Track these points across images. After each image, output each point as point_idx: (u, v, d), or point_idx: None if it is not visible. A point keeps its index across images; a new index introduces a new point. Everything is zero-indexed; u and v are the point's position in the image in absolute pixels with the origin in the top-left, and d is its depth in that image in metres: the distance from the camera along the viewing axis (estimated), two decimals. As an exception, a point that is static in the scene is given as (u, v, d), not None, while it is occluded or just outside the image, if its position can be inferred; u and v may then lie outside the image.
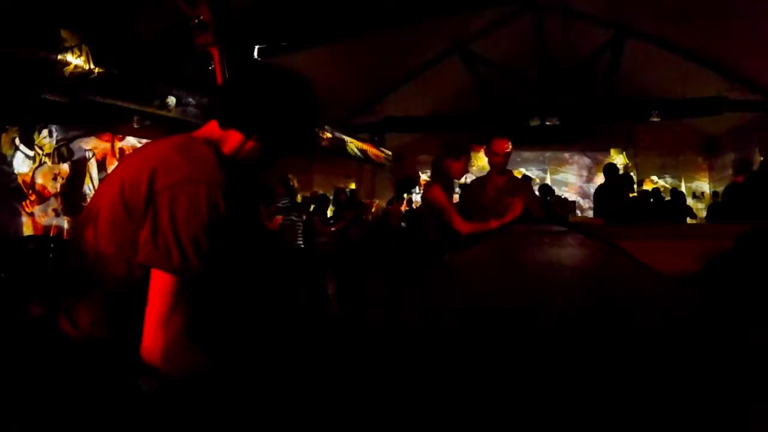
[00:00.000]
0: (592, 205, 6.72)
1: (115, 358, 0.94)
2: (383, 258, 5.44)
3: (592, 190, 6.93)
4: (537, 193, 7.67)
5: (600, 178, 6.30)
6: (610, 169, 6.00)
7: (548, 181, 10.26)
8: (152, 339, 0.89)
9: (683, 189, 9.81)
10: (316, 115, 1.19)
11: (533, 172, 11.08)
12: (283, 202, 5.10)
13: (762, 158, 7.07)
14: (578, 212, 8.43)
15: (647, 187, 9.46)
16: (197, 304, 0.93)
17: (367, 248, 5.97)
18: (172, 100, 4.71)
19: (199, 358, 0.93)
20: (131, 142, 5.75)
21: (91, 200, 1.07)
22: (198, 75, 4.40)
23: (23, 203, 4.67)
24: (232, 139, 1.07)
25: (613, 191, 5.67)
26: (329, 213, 6.84)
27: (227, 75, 2.35)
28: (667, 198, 8.13)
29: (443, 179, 3.00)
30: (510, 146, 3.14)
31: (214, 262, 0.93)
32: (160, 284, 0.90)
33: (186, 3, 2.22)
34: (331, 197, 7.08)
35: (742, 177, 5.09)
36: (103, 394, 0.90)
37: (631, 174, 8.73)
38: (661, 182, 10.35)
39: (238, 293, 1.13)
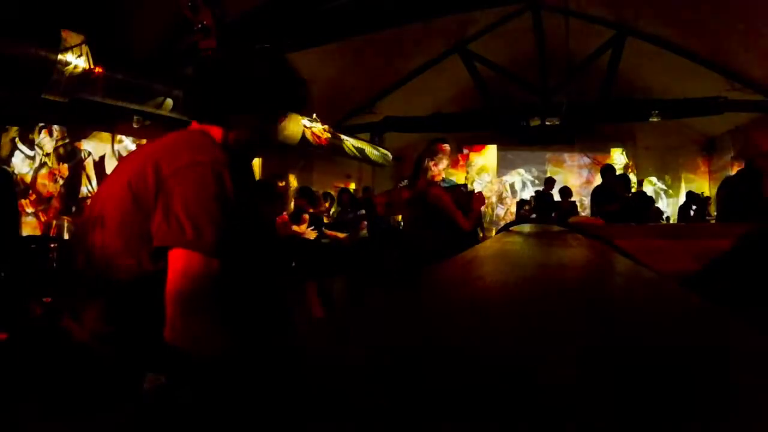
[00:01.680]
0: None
1: (121, 356, 0.94)
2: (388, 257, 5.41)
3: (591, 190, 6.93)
4: (558, 195, 7.73)
5: (600, 178, 6.33)
6: (606, 170, 6.02)
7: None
8: (174, 318, 0.87)
9: (683, 189, 9.81)
10: (292, 85, 1.18)
11: (533, 173, 11.08)
12: None
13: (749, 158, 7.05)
14: (581, 212, 8.45)
15: (646, 187, 9.48)
16: (219, 282, 0.91)
17: (375, 248, 5.93)
18: (169, 101, 4.71)
19: (225, 339, 0.91)
20: (131, 142, 5.75)
21: (93, 200, 1.08)
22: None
23: (23, 203, 4.68)
24: (215, 133, 1.09)
25: (610, 192, 5.68)
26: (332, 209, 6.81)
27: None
28: (668, 199, 8.14)
29: (426, 179, 3.02)
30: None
31: (228, 239, 0.93)
32: (178, 263, 0.89)
33: (189, 10, 2.25)
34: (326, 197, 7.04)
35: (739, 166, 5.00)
36: (109, 392, 0.91)
37: (629, 175, 8.74)
38: (659, 184, 10.34)
39: (248, 283, 1.13)
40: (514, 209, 9.65)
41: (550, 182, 8.22)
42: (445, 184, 3.18)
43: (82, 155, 5.36)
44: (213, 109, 1.09)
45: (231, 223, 0.94)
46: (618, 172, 6.44)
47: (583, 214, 8.00)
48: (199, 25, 2.27)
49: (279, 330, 1.19)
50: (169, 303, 0.88)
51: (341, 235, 5.80)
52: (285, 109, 1.17)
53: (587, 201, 10.05)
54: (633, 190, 7.37)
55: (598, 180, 7.55)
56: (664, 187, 10.36)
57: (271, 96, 1.13)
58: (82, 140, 5.35)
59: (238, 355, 0.85)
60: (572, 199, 7.90)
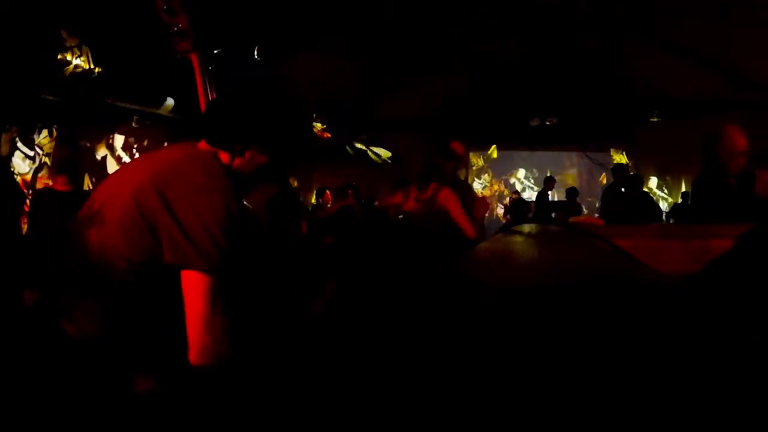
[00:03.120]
0: (591, 206, 6.73)
1: (111, 356, 0.94)
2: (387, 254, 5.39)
3: (592, 190, 6.94)
4: (565, 195, 7.73)
5: (599, 179, 6.35)
6: (616, 170, 6.04)
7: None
8: (199, 340, 0.92)
9: (683, 189, 9.79)
10: (295, 122, 1.24)
11: (533, 173, 11.08)
12: None
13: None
14: (585, 211, 8.45)
15: (647, 187, 9.48)
16: (232, 301, 0.97)
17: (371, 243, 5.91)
18: (170, 101, 4.71)
19: (237, 350, 0.96)
20: (131, 142, 5.75)
21: (93, 198, 1.08)
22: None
23: (23, 203, 4.67)
24: (223, 157, 1.13)
25: (617, 192, 5.70)
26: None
27: (208, 84, 2.41)
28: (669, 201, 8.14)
29: (439, 179, 2.99)
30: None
31: (236, 262, 0.98)
32: (195, 286, 0.94)
33: (166, 13, 2.26)
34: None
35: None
36: (99, 392, 0.91)
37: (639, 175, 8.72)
38: (658, 192, 10.31)
39: (249, 292, 1.17)
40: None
41: (550, 182, 8.24)
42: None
43: (83, 155, 5.36)
44: (229, 136, 1.13)
45: (237, 244, 0.99)
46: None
47: (587, 213, 8.01)
48: (175, 29, 2.29)
49: (277, 332, 1.20)
50: (192, 325, 0.92)
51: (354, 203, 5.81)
52: (290, 147, 1.22)
53: (588, 201, 10.07)
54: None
55: (597, 180, 7.56)
56: (663, 194, 10.35)
57: (281, 133, 1.18)
58: (82, 140, 5.35)
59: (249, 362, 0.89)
60: (578, 200, 7.91)
